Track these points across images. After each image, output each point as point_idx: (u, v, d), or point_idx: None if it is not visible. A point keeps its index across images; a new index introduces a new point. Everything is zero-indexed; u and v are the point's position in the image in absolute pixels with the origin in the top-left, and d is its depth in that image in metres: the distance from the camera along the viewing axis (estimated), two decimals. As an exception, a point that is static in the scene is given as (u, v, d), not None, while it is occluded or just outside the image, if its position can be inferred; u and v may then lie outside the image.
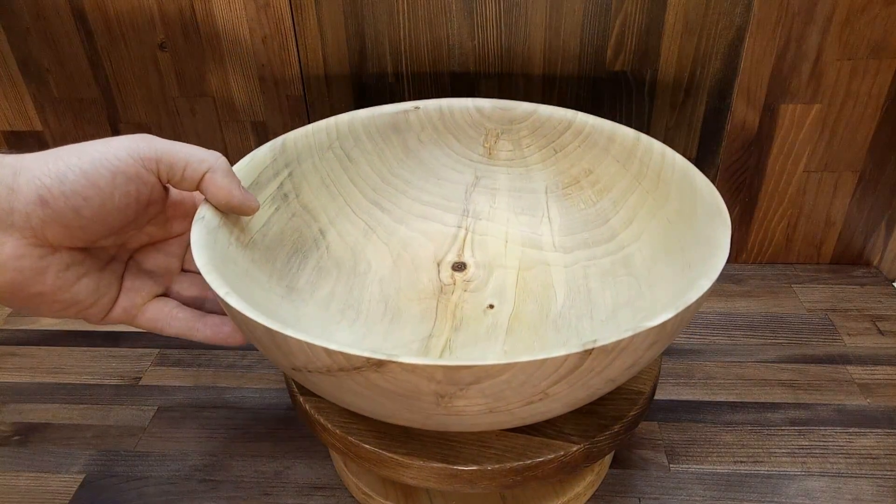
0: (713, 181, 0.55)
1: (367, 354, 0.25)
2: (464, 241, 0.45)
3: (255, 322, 0.27)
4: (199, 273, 0.30)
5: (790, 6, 0.48)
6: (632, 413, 0.35)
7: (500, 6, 0.50)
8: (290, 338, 0.26)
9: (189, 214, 0.35)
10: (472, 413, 0.28)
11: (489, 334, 0.40)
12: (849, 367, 0.49)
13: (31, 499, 0.41)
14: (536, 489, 0.39)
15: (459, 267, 0.44)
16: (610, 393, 0.36)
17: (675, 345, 0.51)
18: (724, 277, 0.58)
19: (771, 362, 0.49)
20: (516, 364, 0.25)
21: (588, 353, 0.25)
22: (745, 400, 0.46)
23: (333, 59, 0.53)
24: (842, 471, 0.41)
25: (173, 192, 0.35)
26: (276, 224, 0.39)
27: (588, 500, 0.40)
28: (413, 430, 0.34)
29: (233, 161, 0.37)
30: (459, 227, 0.46)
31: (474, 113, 0.46)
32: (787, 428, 0.44)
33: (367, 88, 0.54)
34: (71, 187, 0.29)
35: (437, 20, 0.51)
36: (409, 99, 0.53)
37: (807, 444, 0.43)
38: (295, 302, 0.38)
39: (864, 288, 0.57)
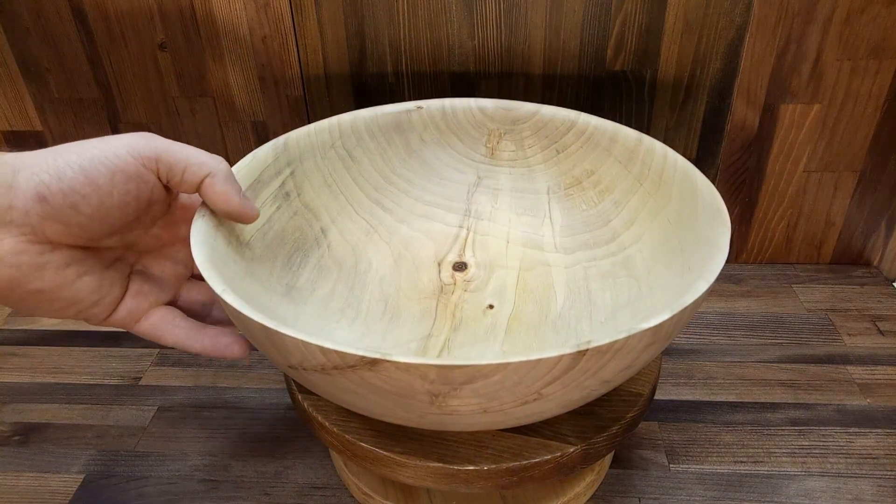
0: (713, 181, 0.55)
1: (360, 353, 0.25)
2: (465, 241, 0.45)
3: (251, 320, 0.27)
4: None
5: (790, 6, 0.48)
6: (630, 415, 0.35)
7: (500, 6, 0.50)
8: (286, 336, 0.26)
9: None
10: (466, 413, 0.28)
11: (488, 334, 0.40)
12: (849, 367, 0.49)
13: (31, 499, 0.41)
14: (537, 489, 0.39)
15: (460, 267, 0.44)
16: (608, 394, 0.36)
17: (675, 345, 0.51)
18: (724, 277, 0.58)
19: (771, 362, 0.49)
20: (510, 364, 0.25)
21: (582, 353, 0.25)
22: (745, 400, 0.46)
23: (333, 58, 0.53)
24: (842, 471, 0.41)
25: (182, 194, 0.35)
26: (278, 223, 0.39)
27: (588, 500, 0.40)
28: (410, 430, 0.34)
29: (234, 160, 0.37)
30: (461, 227, 0.46)
31: (477, 113, 0.46)
32: (787, 428, 0.44)
33: (367, 88, 0.54)
34: (69, 184, 0.29)
35: (437, 20, 0.51)
36: (409, 99, 0.53)
37: (807, 444, 0.43)
38: (295, 300, 0.38)
39: (864, 288, 0.57)
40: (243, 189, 0.34)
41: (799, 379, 0.48)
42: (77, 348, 0.52)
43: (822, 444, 0.43)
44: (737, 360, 0.50)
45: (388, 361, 0.25)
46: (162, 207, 0.34)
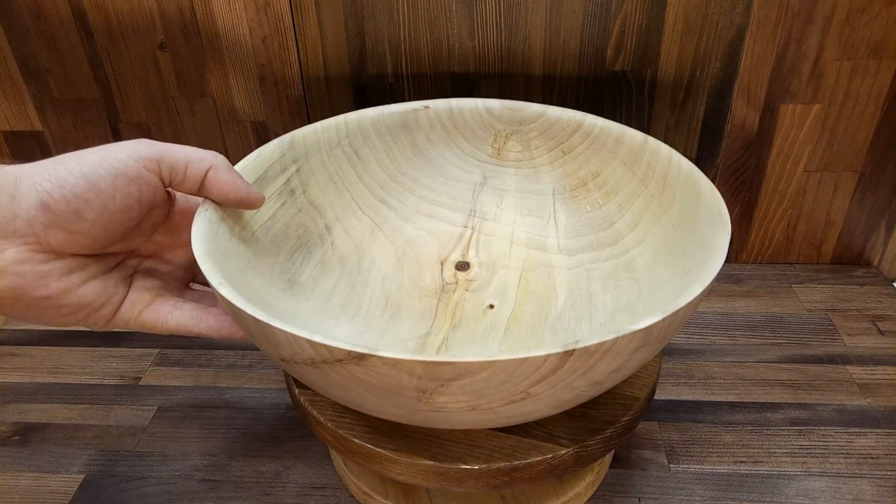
0: (713, 181, 0.55)
1: (348, 347, 0.25)
2: (469, 240, 0.46)
3: (244, 312, 0.27)
4: (208, 285, 0.30)
5: (790, 6, 0.48)
6: (625, 418, 0.35)
7: (500, 6, 0.50)
8: (277, 329, 0.26)
9: None
10: (454, 410, 0.28)
11: (487, 334, 0.40)
12: (849, 367, 0.49)
13: (31, 499, 0.41)
14: (537, 489, 0.39)
15: (463, 266, 0.44)
16: (603, 397, 0.36)
17: (675, 345, 0.51)
18: (724, 277, 0.58)
19: (771, 362, 0.49)
20: (496, 362, 0.25)
21: (569, 353, 0.25)
22: (745, 400, 0.46)
23: (333, 59, 0.53)
24: (842, 471, 0.41)
25: (180, 200, 0.35)
26: (282, 219, 0.40)
27: (588, 500, 0.40)
28: (403, 427, 0.34)
29: (234, 161, 0.37)
30: (466, 226, 0.46)
31: (484, 113, 0.46)
32: (787, 428, 0.44)
33: (367, 88, 0.54)
34: (71, 190, 0.29)
35: (437, 20, 0.51)
36: (409, 99, 0.53)
37: (807, 444, 0.43)
38: (296, 296, 0.38)
39: (864, 288, 0.57)
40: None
41: (799, 379, 0.48)
42: (77, 348, 0.52)
43: (822, 444, 0.43)
44: (737, 360, 0.50)
45: (374, 356, 0.25)
46: (162, 213, 0.34)
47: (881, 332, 0.52)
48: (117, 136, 0.57)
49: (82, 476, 0.42)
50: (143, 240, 0.34)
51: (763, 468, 0.42)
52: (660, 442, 0.44)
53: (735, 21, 0.49)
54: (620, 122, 0.45)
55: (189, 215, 0.35)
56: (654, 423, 0.45)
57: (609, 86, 0.53)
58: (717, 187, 0.54)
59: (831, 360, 0.49)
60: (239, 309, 0.27)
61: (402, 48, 0.52)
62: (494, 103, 0.46)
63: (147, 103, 0.56)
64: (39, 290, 0.30)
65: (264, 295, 0.36)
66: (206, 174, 0.32)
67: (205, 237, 0.32)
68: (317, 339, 0.25)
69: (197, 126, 0.57)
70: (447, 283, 0.43)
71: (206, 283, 0.31)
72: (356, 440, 0.34)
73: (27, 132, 0.58)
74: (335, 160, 0.43)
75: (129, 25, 0.53)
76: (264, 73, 0.54)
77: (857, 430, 0.44)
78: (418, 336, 0.39)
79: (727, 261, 0.31)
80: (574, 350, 0.25)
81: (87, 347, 0.52)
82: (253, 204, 0.35)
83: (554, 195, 0.45)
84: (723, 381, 0.48)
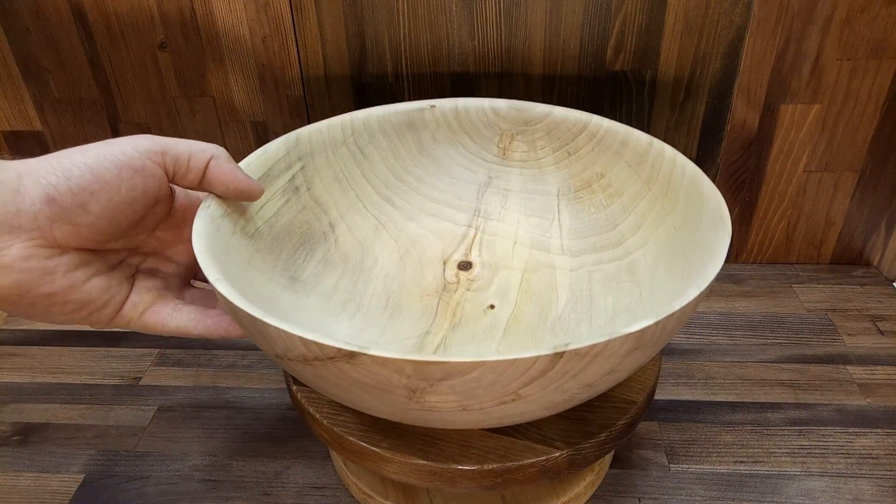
0: (713, 181, 0.55)
1: (338, 345, 0.25)
2: (472, 240, 0.46)
3: (239, 308, 0.27)
4: (208, 282, 0.30)
5: (790, 6, 0.48)
6: (621, 422, 0.35)
7: (500, 6, 0.50)
8: (270, 326, 0.26)
9: None
10: (445, 410, 0.28)
11: (486, 334, 0.40)
12: (849, 367, 0.49)
13: (31, 499, 0.41)
14: (536, 489, 0.39)
15: (465, 266, 0.44)
16: (599, 400, 0.36)
17: (675, 345, 0.51)
18: (724, 277, 0.58)
19: (771, 362, 0.49)
20: (485, 363, 0.25)
21: (559, 355, 0.25)
22: (745, 400, 0.46)
23: (333, 59, 0.53)
24: (842, 471, 0.41)
25: (180, 195, 0.35)
26: (286, 216, 0.40)
27: (588, 500, 0.40)
28: (398, 426, 0.35)
29: (237, 160, 0.37)
30: (469, 226, 0.46)
31: (490, 113, 0.46)
32: (787, 428, 0.44)
33: (367, 88, 0.54)
34: (77, 183, 0.29)
35: (437, 20, 0.51)
36: (409, 99, 0.53)
37: (807, 444, 0.43)
38: (297, 293, 0.38)
39: (864, 288, 0.57)
40: None
41: (799, 379, 0.48)
42: (77, 348, 0.52)
43: (822, 444, 0.43)
44: (737, 360, 0.50)
45: (364, 355, 0.25)
46: (165, 208, 0.34)
47: (881, 332, 0.52)
48: (117, 136, 0.57)
49: (82, 476, 0.42)
50: (146, 236, 0.34)
51: (763, 468, 0.42)
52: (660, 442, 0.44)
53: (735, 21, 0.49)
54: (620, 122, 0.45)
55: (191, 211, 0.35)
56: (654, 423, 0.45)
57: (609, 86, 0.53)
58: (717, 187, 0.53)
59: (831, 360, 0.49)
60: (234, 305, 0.28)
61: (402, 48, 0.52)
62: (500, 103, 0.46)
63: (147, 103, 0.56)
64: (45, 286, 0.30)
65: (265, 292, 0.36)
66: (208, 165, 0.33)
67: (205, 233, 0.33)
68: (308, 336, 0.25)
69: (197, 126, 0.57)
70: (449, 283, 0.43)
71: (207, 280, 0.31)
72: (351, 438, 0.34)
73: (27, 132, 0.58)
74: (340, 158, 0.44)
75: (129, 25, 0.53)
76: (264, 73, 0.54)
77: (857, 430, 0.44)
78: (418, 335, 0.40)
79: (727, 261, 0.31)
80: (564, 352, 0.25)
81: (87, 347, 0.52)
82: (253, 195, 0.35)
83: (558, 196, 0.45)
84: (723, 381, 0.48)
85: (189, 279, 0.37)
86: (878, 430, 0.44)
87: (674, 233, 0.38)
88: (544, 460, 0.33)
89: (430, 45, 0.52)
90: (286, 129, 0.56)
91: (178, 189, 0.35)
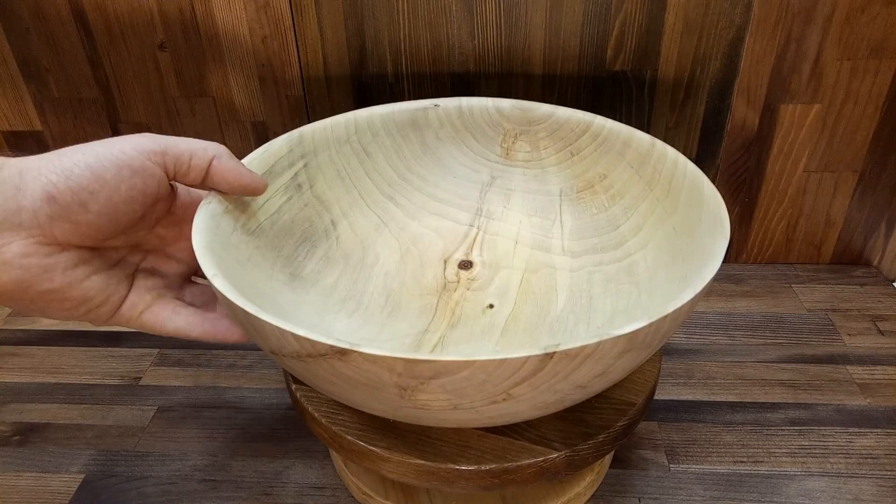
0: (713, 181, 0.55)
1: (330, 342, 0.25)
2: (474, 239, 0.46)
3: (234, 303, 0.27)
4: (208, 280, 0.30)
5: (790, 6, 0.48)
6: (619, 424, 0.35)
7: (500, 6, 0.50)
8: (264, 322, 0.26)
9: None
10: (436, 408, 0.28)
11: (484, 333, 0.40)
12: (849, 367, 0.49)
13: (31, 499, 0.41)
14: (536, 489, 0.39)
15: (466, 265, 0.44)
16: (598, 400, 0.36)
17: (675, 345, 0.51)
18: (724, 277, 0.58)
19: (771, 362, 0.49)
20: (475, 362, 0.25)
21: (550, 356, 0.25)
22: (745, 400, 0.46)
23: (333, 59, 0.53)
24: (842, 471, 0.41)
25: (182, 193, 0.35)
26: (287, 213, 0.40)
27: (588, 500, 0.40)
28: (396, 426, 0.35)
29: (240, 158, 0.37)
30: (471, 225, 0.46)
31: (493, 112, 0.46)
32: (787, 428, 0.44)
33: (367, 89, 0.54)
34: (77, 181, 0.29)
35: (437, 20, 0.51)
36: (410, 99, 0.53)
37: (807, 444, 0.43)
38: (297, 290, 0.38)
39: (864, 288, 0.57)
40: None
41: (799, 379, 0.48)
42: (77, 348, 0.52)
43: (822, 444, 0.43)
44: (737, 360, 0.50)
45: (356, 352, 0.25)
46: (165, 206, 0.34)
47: (881, 332, 0.52)
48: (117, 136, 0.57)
49: (82, 476, 0.42)
50: (146, 233, 0.34)
51: (763, 468, 0.42)
52: (660, 442, 0.44)
53: (735, 21, 0.49)
54: (620, 122, 0.45)
55: (192, 209, 0.35)
56: (654, 423, 0.45)
57: (609, 86, 0.53)
58: (717, 187, 0.54)
59: (831, 360, 0.49)
60: (230, 301, 0.28)
61: (402, 48, 0.52)
62: (504, 102, 0.46)
63: (147, 103, 0.56)
64: (44, 283, 0.30)
65: (265, 288, 0.36)
66: (210, 163, 0.33)
67: (205, 229, 0.33)
68: (301, 332, 0.26)
69: (197, 126, 0.57)
70: (449, 282, 0.43)
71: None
72: (349, 437, 0.34)
73: (27, 132, 0.58)
74: (343, 156, 0.44)
75: (129, 25, 0.53)
76: (264, 73, 0.54)
77: (857, 430, 0.44)
78: (416, 333, 0.40)
79: (727, 260, 0.30)
80: (554, 353, 0.25)
81: (87, 347, 0.52)
82: (257, 190, 0.36)
83: (561, 196, 0.45)
84: (723, 381, 0.48)
85: (190, 274, 0.37)
86: (878, 430, 0.44)
87: (674, 234, 0.38)
88: (542, 461, 0.33)
89: (430, 45, 0.52)
90: (286, 129, 0.56)
91: (180, 186, 0.35)
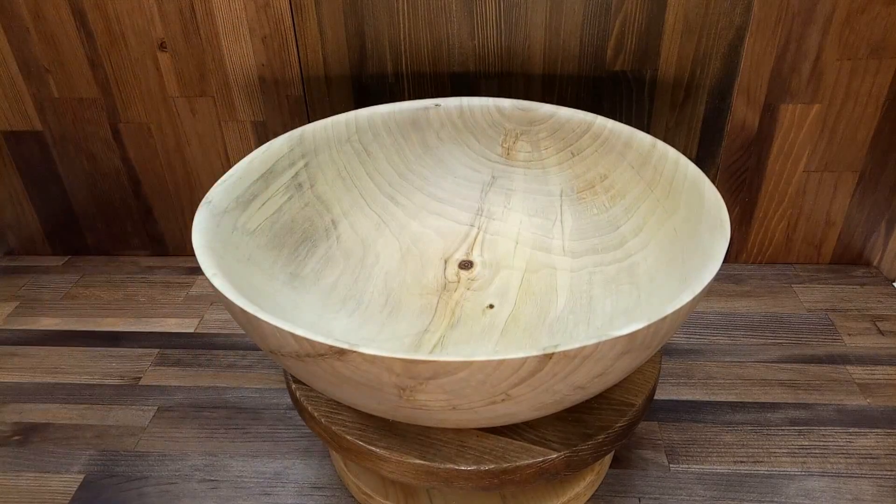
0: (713, 181, 0.55)
1: (328, 342, 0.25)
2: (475, 239, 0.46)
3: (233, 303, 0.28)
4: None
5: (790, 6, 0.48)
6: (619, 424, 0.35)
7: (500, 6, 0.50)
8: (263, 321, 0.26)
9: None
10: (435, 408, 0.28)
11: (484, 333, 0.40)
12: (849, 367, 0.49)
13: (31, 499, 0.41)
14: (536, 489, 0.39)
15: (466, 265, 0.44)
16: (598, 401, 0.36)
17: (675, 345, 0.51)
18: (724, 277, 0.58)
19: (771, 362, 0.49)
20: (473, 363, 0.25)
21: (548, 357, 0.25)
22: (745, 400, 0.46)
23: (333, 59, 0.53)
24: (842, 471, 0.41)
25: None
26: (288, 212, 0.40)
27: (588, 500, 0.40)
28: (396, 426, 0.35)
29: (234, 160, 0.37)
30: (472, 225, 0.46)
31: (494, 113, 0.46)
32: (787, 428, 0.44)
33: (367, 88, 0.54)
34: None
35: (437, 20, 0.51)
36: (409, 99, 0.53)
37: (807, 444, 0.43)
38: (297, 289, 0.38)
39: (864, 288, 0.57)
40: (255, 178, 0.35)
41: (799, 379, 0.48)
42: (77, 348, 0.52)
43: (822, 444, 0.43)
44: (737, 360, 0.50)
45: (354, 352, 0.25)
46: None
47: (881, 332, 0.52)
48: (117, 136, 0.57)
49: (82, 476, 0.42)
50: None
51: (763, 468, 0.42)
52: (660, 442, 0.44)
53: (735, 21, 0.49)
54: (620, 122, 0.45)
55: None
56: (654, 423, 0.45)
57: (609, 86, 0.53)
58: (717, 187, 0.54)
59: (831, 360, 0.49)
60: (229, 300, 0.28)
61: (402, 48, 0.52)
62: (505, 103, 0.46)
63: (147, 103, 0.56)
64: None
65: (265, 287, 0.36)
66: None
67: (205, 229, 0.33)
68: (299, 332, 0.26)
69: (197, 126, 0.57)
70: (449, 282, 0.43)
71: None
72: (349, 437, 0.34)
73: (27, 132, 0.58)
74: (344, 156, 0.44)
75: (129, 25, 0.53)
76: (264, 73, 0.54)
77: (857, 430, 0.44)
78: (416, 333, 0.40)
79: (727, 261, 0.30)
80: (553, 354, 0.25)
81: (87, 347, 0.52)
82: None
83: (561, 197, 0.45)
84: (723, 381, 0.48)
85: None
86: (878, 430, 0.44)
87: (674, 235, 0.38)
88: (541, 461, 0.33)
89: (430, 45, 0.52)
90: (286, 129, 0.56)
91: None
